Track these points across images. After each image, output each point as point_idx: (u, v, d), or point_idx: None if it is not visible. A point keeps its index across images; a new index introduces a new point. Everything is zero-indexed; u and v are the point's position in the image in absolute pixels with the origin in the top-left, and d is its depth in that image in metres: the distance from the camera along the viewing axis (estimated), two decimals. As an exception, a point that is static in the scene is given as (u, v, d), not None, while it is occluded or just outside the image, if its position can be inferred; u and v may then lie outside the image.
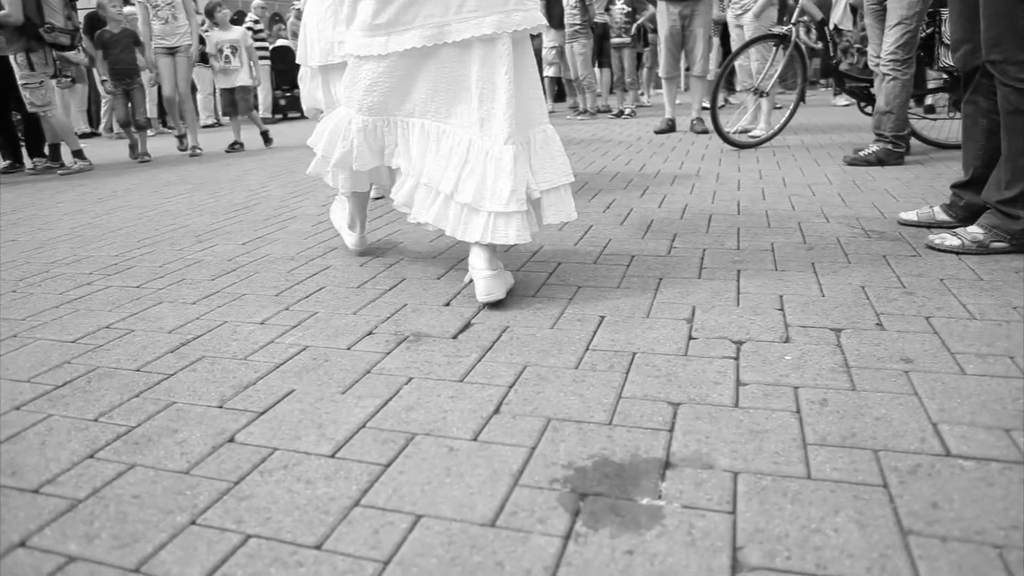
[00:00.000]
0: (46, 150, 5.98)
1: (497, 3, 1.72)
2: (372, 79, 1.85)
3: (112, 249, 2.87)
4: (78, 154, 5.80)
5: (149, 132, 7.66)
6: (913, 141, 4.01)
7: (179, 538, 1.02)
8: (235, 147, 6.67)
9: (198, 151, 6.51)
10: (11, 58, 5.35)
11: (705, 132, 5.62)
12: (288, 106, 10.88)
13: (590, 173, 4.09)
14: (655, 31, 7.88)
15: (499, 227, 1.78)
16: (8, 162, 5.97)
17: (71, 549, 1.01)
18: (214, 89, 10.48)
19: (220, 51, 6.61)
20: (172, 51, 6.33)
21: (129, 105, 6.38)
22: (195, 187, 4.49)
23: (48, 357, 1.74)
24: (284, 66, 10.26)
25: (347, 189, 2.29)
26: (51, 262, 2.71)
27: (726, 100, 7.61)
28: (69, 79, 8.21)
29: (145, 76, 6.78)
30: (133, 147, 6.35)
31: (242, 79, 6.67)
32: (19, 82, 5.43)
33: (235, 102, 6.73)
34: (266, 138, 6.85)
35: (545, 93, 10.12)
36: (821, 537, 0.95)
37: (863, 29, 8.70)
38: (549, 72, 9.14)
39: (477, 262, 1.87)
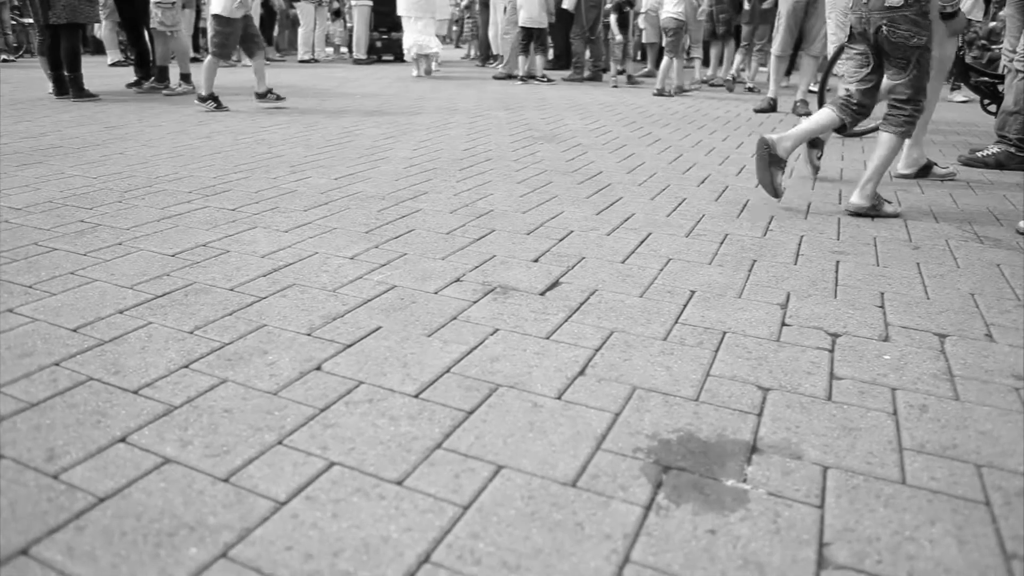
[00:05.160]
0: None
1: None
2: None
3: (211, 171, 2.95)
4: (185, 78, 5.96)
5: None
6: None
7: (267, 455, 1.05)
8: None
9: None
10: None
11: (808, 115, 5.37)
12: (384, 48, 10.90)
13: (685, 146, 3.98)
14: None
15: None
16: (137, 77, 6.14)
17: (167, 451, 1.05)
18: (315, 25, 10.61)
19: None
20: None
21: None
22: (291, 120, 4.57)
23: (150, 267, 1.81)
24: (385, 8, 10.25)
25: None
26: (154, 178, 2.81)
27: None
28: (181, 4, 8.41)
29: None
30: None
31: None
32: (152, 1, 5.58)
33: None
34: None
35: (647, 57, 9.86)
36: (915, 546, 0.91)
37: (993, 20, 8.07)
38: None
39: None
